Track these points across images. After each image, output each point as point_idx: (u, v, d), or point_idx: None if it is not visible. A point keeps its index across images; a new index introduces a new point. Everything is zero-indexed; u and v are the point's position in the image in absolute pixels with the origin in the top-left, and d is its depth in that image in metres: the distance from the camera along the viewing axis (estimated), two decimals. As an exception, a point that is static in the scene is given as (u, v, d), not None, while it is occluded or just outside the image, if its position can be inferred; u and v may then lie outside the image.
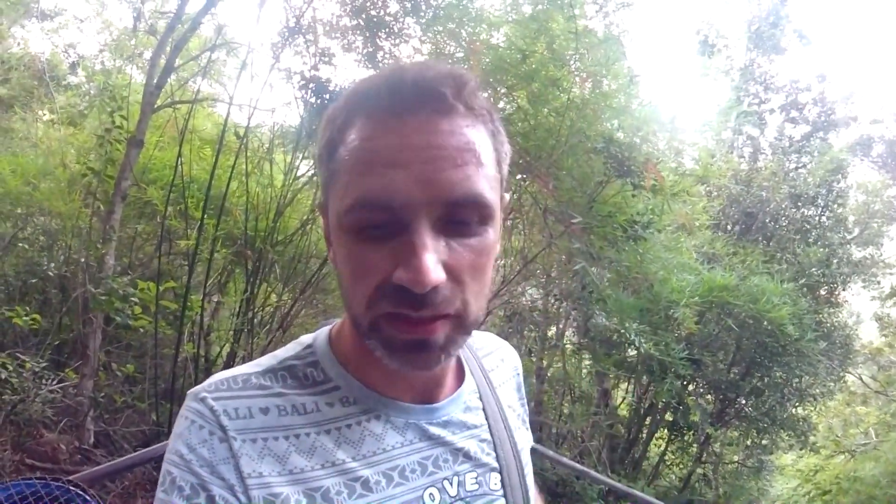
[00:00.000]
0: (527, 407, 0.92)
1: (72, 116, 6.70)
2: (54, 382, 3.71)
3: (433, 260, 0.55)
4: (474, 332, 0.82)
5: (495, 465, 0.77)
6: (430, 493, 0.70)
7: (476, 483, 0.74)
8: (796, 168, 8.52)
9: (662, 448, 7.78)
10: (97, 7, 8.25)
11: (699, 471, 7.91)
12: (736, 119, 7.08)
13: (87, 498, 1.92)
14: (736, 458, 8.77)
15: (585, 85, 4.18)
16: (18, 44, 8.25)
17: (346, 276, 0.61)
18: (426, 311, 0.57)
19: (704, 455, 7.82)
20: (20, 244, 4.99)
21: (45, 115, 7.44)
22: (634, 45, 4.52)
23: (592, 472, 3.89)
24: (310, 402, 0.68)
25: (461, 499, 0.72)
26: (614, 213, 3.98)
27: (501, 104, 4.44)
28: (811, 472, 10.52)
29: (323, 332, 0.75)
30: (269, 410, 0.66)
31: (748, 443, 8.24)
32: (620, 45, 4.19)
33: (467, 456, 0.74)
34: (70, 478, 1.99)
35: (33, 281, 4.91)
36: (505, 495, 0.76)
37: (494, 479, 0.76)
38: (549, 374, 6.72)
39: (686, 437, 7.59)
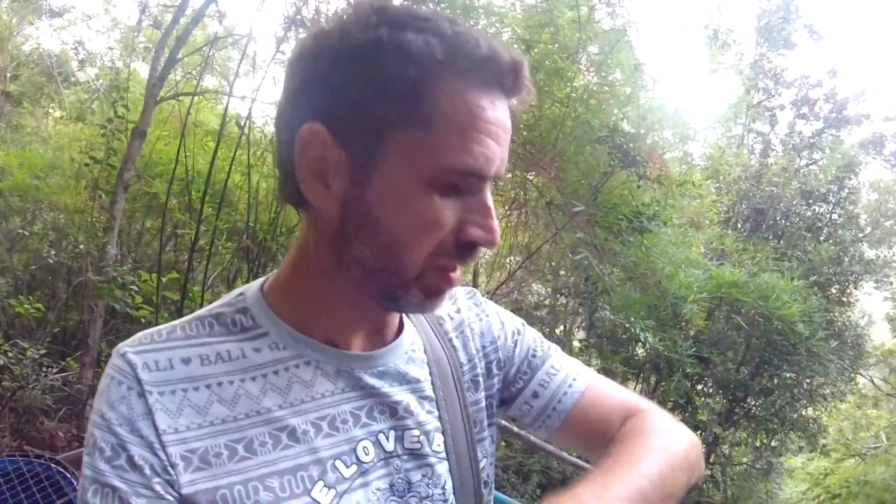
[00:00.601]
0: (517, 346, 0.80)
1: (80, 112, 6.75)
2: (55, 371, 3.72)
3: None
4: None
5: (437, 424, 0.71)
6: (364, 447, 0.65)
7: (417, 441, 0.69)
8: (807, 165, 8.44)
9: (670, 449, 7.70)
10: (105, 4, 8.32)
11: (707, 472, 7.83)
12: (746, 114, 7.01)
13: (68, 476, 1.91)
14: (744, 459, 8.66)
15: (590, 75, 4.14)
16: (28, 41, 8.33)
17: (404, 230, 0.59)
18: (472, 263, 0.64)
19: (713, 456, 7.74)
20: (29, 238, 5.02)
21: (54, 111, 7.50)
22: (641, 37, 4.46)
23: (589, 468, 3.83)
24: (235, 349, 0.64)
25: (398, 455, 0.67)
26: (619, 204, 3.94)
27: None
28: (821, 475, 10.36)
29: (256, 282, 0.71)
30: (190, 360, 0.63)
31: (757, 444, 8.14)
32: (626, 36, 4.15)
33: (407, 409, 0.69)
34: (53, 456, 1.99)
35: (40, 274, 4.95)
36: (448, 459, 0.71)
37: (438, 440, 0.71)
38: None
39: (694, 437, 7.51)
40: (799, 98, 9.30)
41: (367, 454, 0.65)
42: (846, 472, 9.76)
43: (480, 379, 0.78)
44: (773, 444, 8.08)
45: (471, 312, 0.82)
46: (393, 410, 0.68)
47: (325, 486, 0.62)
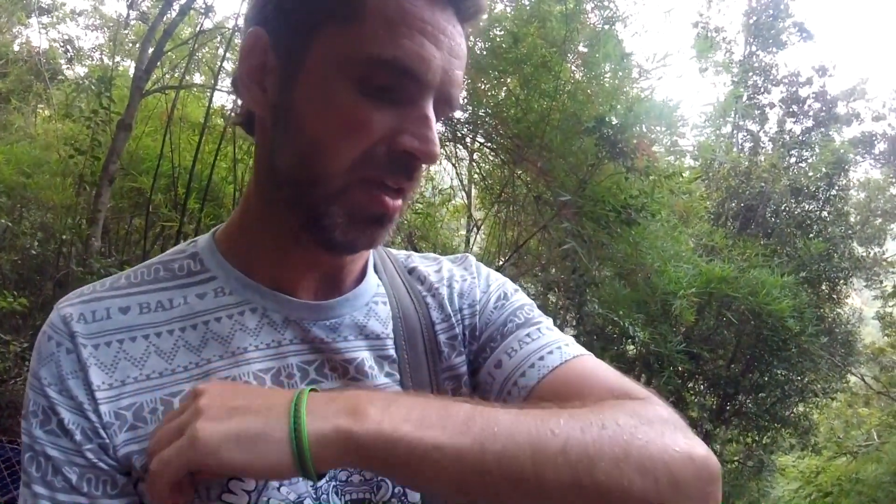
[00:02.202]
0: (502, 300, 0.71)
1: (68, 110, 6.70)
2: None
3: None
4: (407, 252, 0.77)
5: (397, 388, 0.63)
6: None
7: None
8: (797, 162, 8.49)
9: (661, 446, 7.68)
10: (93, 1, 8.28)
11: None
12: (736, 112, 7.04)
13: None
14: (736, 457, 8.66)
15: (578, 69, 4.14)
16: (17, 38, 8.28)
17: (325, 131, 0.54)
18: (411, 183, 0.57)
19: (704, 454, 7.72)
20: (16, 237, 4.97)
21: (42, 109, 7.45)
22: (629, 31, 4.48)
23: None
24: (177, 296, 0.60)
25: None
26: (607, 196, 3.93)
27: (493, 90, 4.41)
28: (813, 473, 10.39)
29: (210, 231, 0.68)
30: (129, 309, 0.59)
31: (748, 441, 8.14)
32: (613, 29, 4.16)
33: (360, 370, 0.62)
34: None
35: (27, 273, 4.90)
36: None
37: None
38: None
39: (685, 435, 7.50)
40: (788, 96, 9.36)
41: None
42: (838, 471, 9.79)
43: (459, 343, 0.69)
44: (764, 441, 8.08)
45: (454, 273, 0.73)
46: (345, 368, 0.62)
47: None
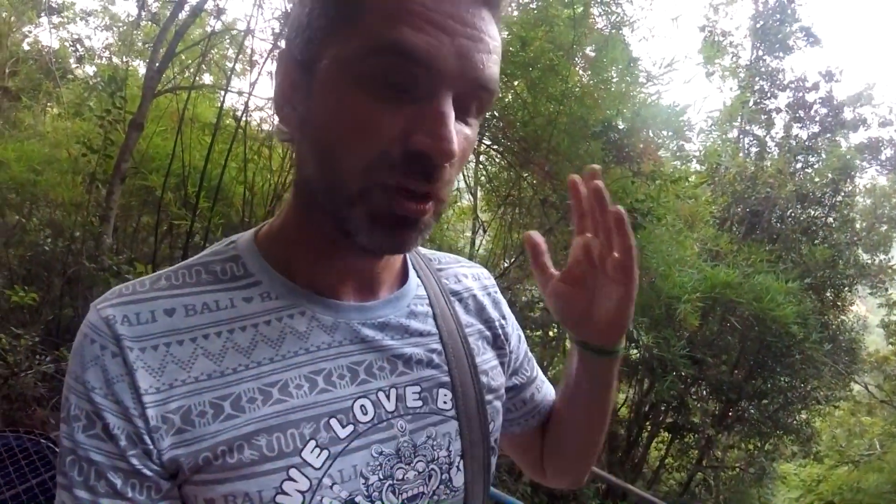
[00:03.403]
0: (510, 326, 0.80)
1: (77, 109, 6.75)
2: (48, 360, 3.72)
3: (455, 133, 0.52)
4: (435, 252, 0.80)
5: (446, 379, 0.66)
6: (362, 405, 0.60)
7: (419, 399, 0.64)
8: (803, 168, 8.48)
9: (663, 452, 7.69)
10: (103, 2, 8.34)
11: (699, 476, 7.80)
12: (742, 117, 7.04)
13: (57, 451, 1.92)
14: (737, 464, 8.64)
15: (585, 73, 4.17)
16: (27, 37, 8.34)
17: (338, 136, 0.53)
18: (434, 186, 0.54)
19: (705, 460, 7.72)
20: (25, 233, 5.01)
21: (52, 107, 7.50)
22: (636, 36, 4.50)
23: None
24: (224, 299, 0.60)
25: (400, 415, 0.62)
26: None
27: (501, 93, 4.44)
28: (814, 481, 10.34)
29: (250, 231, 0.67)
30: (174, 311, 0.58)
31: (750, 448, 8.12)
32: (620, 33, 4.19)
33: (408, 364, 0.64)
34: (44, 433, 1.99)
35: (36, 269, 4.94)
36: (458, 418, 0.66)
37: (444, 396, 0.66)
38: (550, 374, 6.65)
39: (687, 440, 7.49)
40: (795, 101, 9.35)
41: (364, 413, 0.60)
42: (839, 479, 9.73)
43: (487, 343, 0.75)
44: (766, 448, 8.04)
45: (477, 284, 0.79)
46: (394, 365, 0.64)
47: (317, 445, 0.57)
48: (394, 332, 0.65)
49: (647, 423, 7.27)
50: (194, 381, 0.56)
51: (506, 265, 5.06)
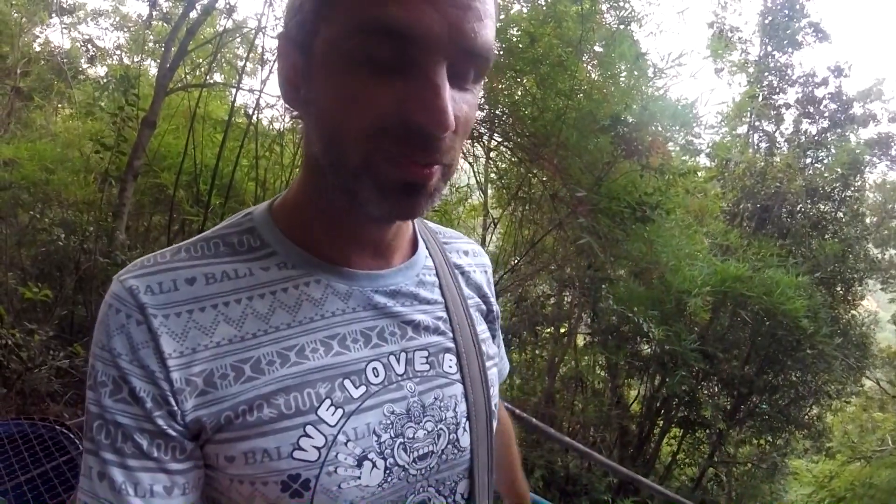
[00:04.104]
0: (497, 308, 0.85)
1: (89, 108, 6.81)
2: (61, 356, 3.76)
3: (451, 104, 0.52)
4: (439, 226, 0.84)
5: (451, 345, 0.70)
6: (374, 368, 0.64)
7: (427, 363, 0.68)
8: (812, 163, 8.42)
9: (675, 447, 7.66)
10: (114, 2, 8.40)
11: (711, 471, 7.76)
12: (751, 112, 7.01)
13: (71, 436, 1.95)
14: (749, 459, 8.59)
15: (593, 68, 4.17)
16: (38, 38, 8.42)
17: (336, 111, 0.54)
18: (433, 157, 0.54)
19: (717, 455, 7.68)
20: (38, 233, 5.05)
21: (63, 107, 7.57)
22: (644, 31, 4.50)
23: (597, 455, 3.85)
24: (242, 268, 0.62)
25: (409, 378, 0.66)
26: (622, 194, 3.96)
27: (510, 89, 4.44)
28: (826, 477, 10.27)
29: (264, 203, 0.69)
30: (195, 280, 0.60)
31: (762, 443, 8.07)
32: (629, 28, 4.18)
33: (417, 330, 0.68)
34: (59, 419, 2.02)
35: (48, 268, 4.98)
36: (463, 381, 0.70)
37: (449, 360, 0.70)
38: (561, 371, 6.67)
39: (698, 435, 7.46)
40: (804, 97, 9.29)
41: (376, 375, 0.64)
42: (851, 475, 9.66)
43: (482, 315, 0.80)
44: (778, 443, 8.00)
45: (476, 261, 0.83)
46: (404, 330, 0.67)
47: (332, 404, 0.60)
48: (404, 300, 0.68)
49: (659, 419, 7.24)
50: (216, 346, 0.58)
51: (516, 261, 5.07)
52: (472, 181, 5.29)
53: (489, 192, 5.63)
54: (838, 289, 7.79)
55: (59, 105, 7.54)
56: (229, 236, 0.64)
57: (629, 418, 7.11)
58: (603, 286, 4.27)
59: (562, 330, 6.48)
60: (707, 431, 7.20)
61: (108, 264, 3.42)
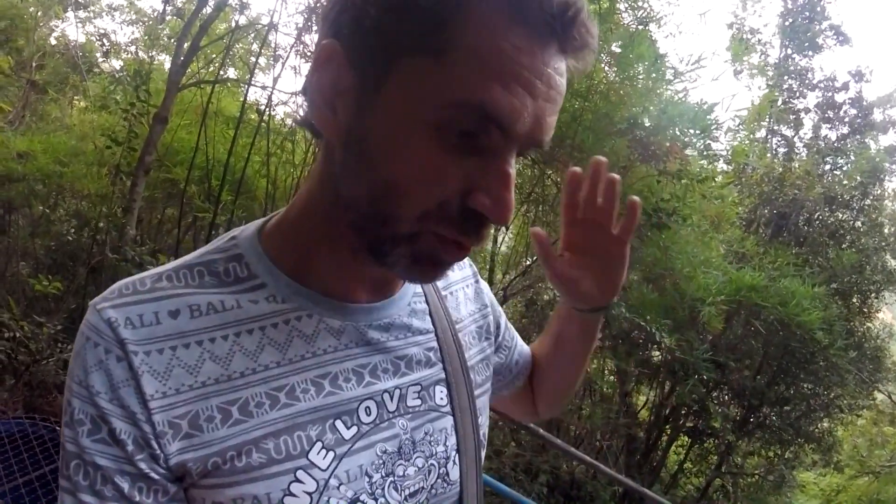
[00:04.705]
0: (496, 314, 0.85)
1: (104, 102, 6.84)
2: (69, 348, 3.77)
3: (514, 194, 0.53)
4: None
5: (441, 376, 0.69)
6: (367, 407, 0.61)
7: (418, 398, 0.66)
8: (831, 170, 8.30)
9: (682, 456, 7.59)
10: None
11: (718, 482, 7.69)
12: (770, 116, 6.91)
13: None
14: (757, 471, 8.50)
15: (611, 69, 4.11)
16: (53, 32, 8.47)
17: (398, 173, 0.51)
18: (479, 243, 0.54)
19: (724, 465, 7.60)
20: (51, 223, 5.08)
21: (78, 100, 7.61)
22: (663, 32, 4.43)
23: (602, 466, 3.78)
24: (229, 299, 0.58)
25: (401, 414, 0.64)
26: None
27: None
28: (833, 491, 10.19)
29: (251, 225, 0.65)
30: (179, 313, 0.56)
31: (770, 455, 7.98)
32: (647, 30, 4.12)
33: (409, 365, 0.66)
34: (59, 420, 2.00)
35: (60, 258, 5.01)
36: (453, 413, 0.68)
37: (440, 392, 0.68)
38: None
39: (706, 445, 7.38)
40: (824, 101, 9.17)
41: (368, 414, 0.61)
42: (859, 490, 9.57)
43: (473, 337, 0.78)
44: (786, 456, 7.91)
45: (460, 276, 0.81)
46: (397, 366, 0.65)
47: (323, 447, 0.58)
48: (398, 332, 0.66)
49: (667, 427, 7.17)
50: (202, 386, 0.55)
51: (528, 263, 5.02)
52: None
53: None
54: (854, 300, 7.67)
55: (75, 98, 7.58)
56: (215, 263, 0.61)
57: (637, 425, 7.04)
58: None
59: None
60: (715, 441, 7.13)
61: (118, 260, 3.41)
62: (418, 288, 0.71)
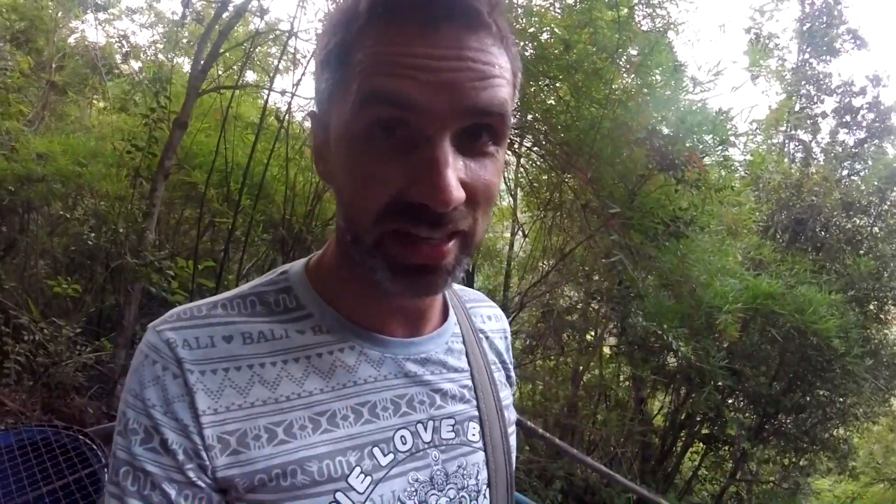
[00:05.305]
0: (513, 374, 0.88)
1: (123, 103, 6.89)
2: (88, 350, 3.80)
3: (454, 177, 0.52)
4: (462, 288, 0.85)
5: (475, 413, 0.72)
6: (402, 436, 0.65)
7: (452, 431, 0.69)
8: (849, 175, 8.20)
9: (696, 463, 7.54)
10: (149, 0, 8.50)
11: (732, 489, 7.63)
12: (788, 121, 6.84)
13: (95, 448, 1.94)
14: (771, 478, 8.42)
15: (629, 77, 4.08)
16: (73, 33, 8.54)
17: (350, 190, 0.56)
18: (441, 232, 0.55)
19: (739, 472, 7.54)
20: (69, 223, 5.12)
21: (97, 101, 7.68)
22: (682, 39, 4.40)
23: (616, 475, 3.78)
24: (278, 329, 0.63)
25: (435, 446, 0.67)
26: (656, 208, 3.87)
27: (542, 95, 4.38)
28: (848, 499, 10.09)
29: (300, 261, 0.71)
30: (232, 338, 0.61)
31: (785, 462, 7.91)
32: (666, 37, 4.09)
33: (444, 398, 0.70)
34: (82, 429, 2.01)
35: (79, 258, 5.05)
36: (485, 449, 0.71)
37: (473, 429, 0.71)
38: (584, 379, 6.59)
39: (721, 452, 7.33)
40: (842, 106, 9.08)
41: (404, 443, 0.65)
42: (874, 497, 9.49)
43: (504, 380, 0.82)
44: (801, 463, 7.84)
45: (497, 326, 0.86)
46: (432, 399, 0.68)
47: (361, 472, 0.61)
48: (434, 367, 0.70)
49: (682, 434, 7.14)
50: (250, 406, 0.60)
51: (546, 269, 5.01)
52: (502, 185, 5.23)
53: (518, 197, 5.57)
54: (871, 307, 7.58)
55: (94, 99, 7.64)
56: (266, 294, 0.66)
57: (652, 432, 7.01)
58: (633, 302, 4.19)
59: (588, 337, 6.40)
60: (730, 449, 7.08)
61: (138, 264, 3.45)
62: (457, 329, 0.75)
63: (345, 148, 0.56)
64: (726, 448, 7.15)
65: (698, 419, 6.81)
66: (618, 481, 4.03)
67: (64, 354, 3.68)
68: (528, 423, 3.38)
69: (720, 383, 5.49)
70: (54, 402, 3.77)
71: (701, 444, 7.35)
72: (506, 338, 0.87)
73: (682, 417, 6.98)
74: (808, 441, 7.31)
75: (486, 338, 0.81)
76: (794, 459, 7.76)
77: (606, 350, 6.40)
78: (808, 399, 7.05)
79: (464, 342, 0.75)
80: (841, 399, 7.25)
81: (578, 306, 5.92)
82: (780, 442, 7.49)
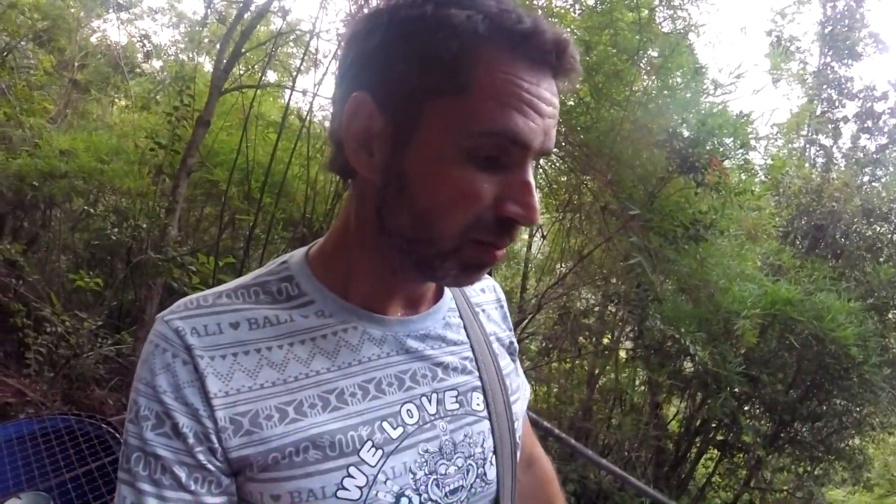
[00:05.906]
0: (515, 340, 0.91)
1: (145, 102, 6.98)
2: (109, 343, 3.85)
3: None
4: None
5: (478, 383, 0.75)
6: (408, 409, 0.68)
7: (456, 402, 0.72)
8: (870, 181, 8.08)
9: (711, 469, 7.47)
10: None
11: (746, 496, 7.55)
12: (809, 125, 6.77)
13: (118, 436, 1.97)
14: (786, 487, 8.32)
15: (650, 79, 4.07)
16: (95, 32, 8.66)
17: (433, 199, 0.59)
18: (510, 243, 0.62)
19: (753, 480, 7.45)
20: (91, 218, 5.19)
21: (119, 100, 7.78)
22: (703, 42, 4.38)
23: (630, 478, 3.76)
24: (283, 314, 0.66)
25: (441, 417, 0.70)
26: (675, 211, 3.86)
27: (562, 96, 4.37)
28: (861, 509, 9.94)
29: (300, 250, 0.74)
30: (239, 325, 0.64)
31: (800, 471, 7.81)
32: (686, 39, 4.07)
33: (446, 371, 0.73)
34: (105, 418, 2.04)
35: (100, 253, 5.12)
36: (489, 418, 0.74)
37: (477, 398, 0.74)
38: (600, 382, 6.56)
39: (736, 459, 7.25)
40: (863, 111, 8.95)
41: (410, 416, 0.68)
42: (888, 509, 9.33)
43: (504, 349, 0.86)
44: (816, 472, 7.73)
45: (492, 297, 0.90)
46: (434, 372, 0.72)
47: (372, 445, 0.64)
48: (433, 342, 0.73)
49: (697, 440, 7.07)
50: (260, 388, 0.62)
51: (562, 271, 4.99)
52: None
53: (537, 197, 5.55)
54: (890, 316, 7.46)
55: (116, 98, 7.74)
56: (268, 284, 0.69)
57: (666, 437, 6.96)
58: (651, 305, 4.17)
59: (605, 341, 6.37)
60: (745, 456, 7.00)
61: (160, 259, 3.49)
62: (452, 304, 0.79)
63: (445, 160, 0.58)
64: (741, 455, 7.07)
65: (713, 425, 6.75)
66: (632, 484, 4.02)
67: (85, 346, 3.73)
68: (545, 423, 3.38)
69: (736, 389, 5.43)
70: (74, 394, 3.82)
71: (716, 451, 7.28)
72: (501, 307, 0.90)
73: (698, 423, 6.92)
74: (824, 450, 7.20)
75: (483, 311, 0.85)
76: (808, 468, 7.65)
77: (623, 354, 6.37)
78: (824, 407, 6.95)
79: (461, 316, 0.79)
80: (858, 408, 7.15)
81: (595, 309, 5.90)
82: (796, 450, 7.39)
